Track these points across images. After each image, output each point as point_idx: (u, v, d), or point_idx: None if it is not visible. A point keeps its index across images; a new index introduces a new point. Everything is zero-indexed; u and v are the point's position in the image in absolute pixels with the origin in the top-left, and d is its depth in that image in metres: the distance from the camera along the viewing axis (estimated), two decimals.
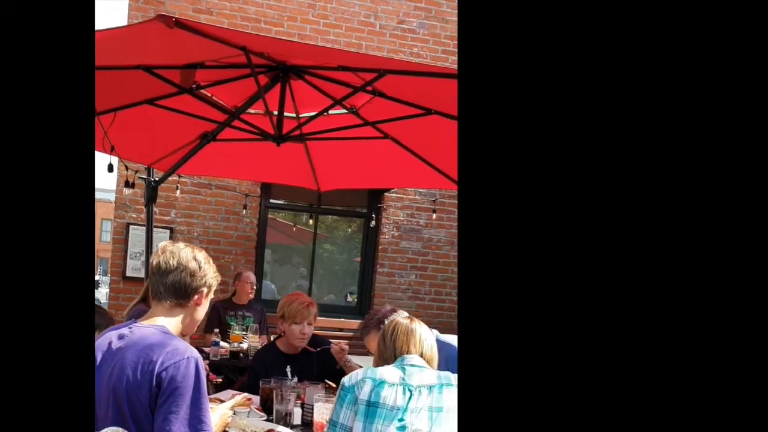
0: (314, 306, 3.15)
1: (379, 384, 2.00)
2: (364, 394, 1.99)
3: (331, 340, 3.19)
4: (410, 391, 2.00)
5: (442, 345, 2.52)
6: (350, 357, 3.16)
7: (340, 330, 6.13)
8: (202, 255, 1.83)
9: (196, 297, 1.81)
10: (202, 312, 1.87)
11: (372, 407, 1.97)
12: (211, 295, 1.88)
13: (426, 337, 2.18)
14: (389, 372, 2.05)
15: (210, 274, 1.84)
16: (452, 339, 2.61)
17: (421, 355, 2.12)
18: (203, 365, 1.72)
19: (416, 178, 4.22)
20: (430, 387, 2.02)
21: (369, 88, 2.84)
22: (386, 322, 2.34)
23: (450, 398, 2.02)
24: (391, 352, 2.15)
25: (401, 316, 2.28)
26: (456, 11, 6.66)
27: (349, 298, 6.89)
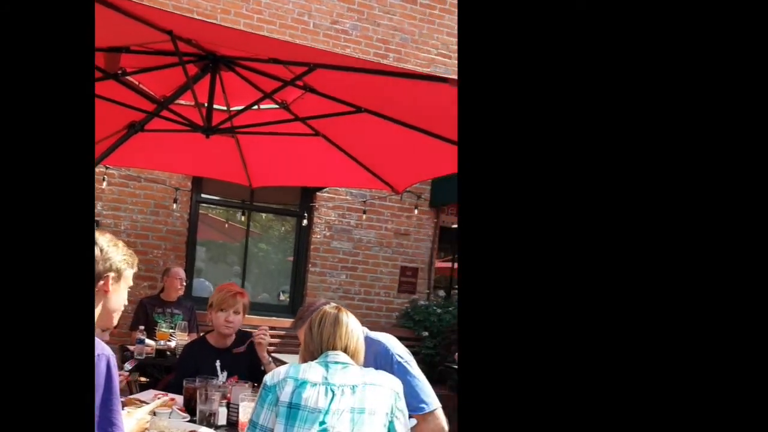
0: (243, 297, 3.06)
1: (301, 384, 1.91)
2: (285, 395, 1.90)
3: (261, 329, 3.06)
4: (332, 391, 1.91)
5: (371, 341, 2.46)
6: (280, 355, 3.08)
7: (273, 329, 6.00)
8: (104, 238, 1.69)
9: (101, 283, 1.66)
10: (115, 301, 1.71)
11: (293, 409, 1.89)
12: (126, 283, 1.74)
13: (354, 328, 2.10)
14: (312, 370, 1.96)
15: (116, 258, 1.68)
16: (382, 336, 2.56)
17: (346, 350, 2.04)
18: (116, 364, 1.61)
19: (347, 178, 4.17)
20: (353, 387, 1.94)
21: (300, 83, 2.77)
22: None
23: (372, 399, 1.94)
24: (317, 344, 2.06)
25: (329, 306, 2.18)
26: (387, 15, 6.66)
27: (282, 297, 6.79)
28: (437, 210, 6.88)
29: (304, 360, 2.08)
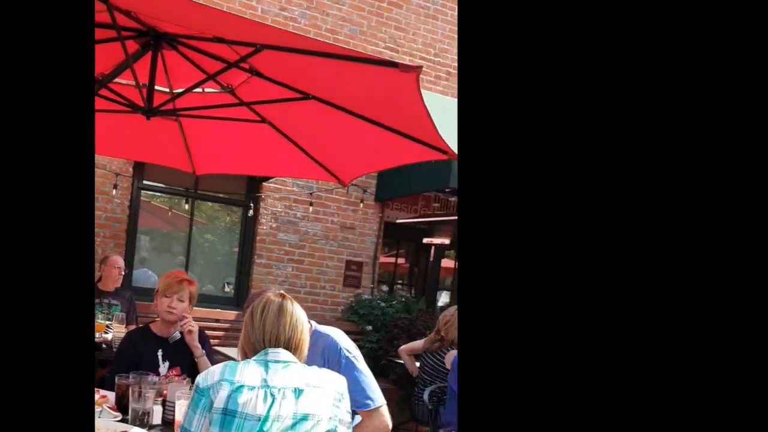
0: (191, 285, 2.89)
1: (237, 388, 1.72)
2: (220, 400, 1.71)
3: (185, 318, 2.85)
4: (272, 395, 1.74)
5: (319, 335, 2.37)
6: (224, 349, 2.93)
7: (217, 321, 5.86)
8: None
9: None
10: None
11: (229, 416, 1.70)
12: None
13: (298, 318, 1.93)
14: (250, 371, 1.77)
15: None
16: (330, 330, 2.46)
17: (289, 343, 1.87)
18: None
19: (294, 168, 4.03)
20: (295, 390, 1.77)
21: (246, 66, 2.64)
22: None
23: (316, 403, 1.78)
24: (259, 335, 1.88)
25: (273, 293, 2.00)
26: (336, 5, 6.54)
27: (227, 289, 6.60)
28: (382, 205, 6.79)
29: (244, 351, 1.93)
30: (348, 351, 2.38)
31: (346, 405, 1.88)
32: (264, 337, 1.88)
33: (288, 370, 1.81)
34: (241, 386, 1.73)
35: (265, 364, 1.80)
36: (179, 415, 2.17)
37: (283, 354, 1.85)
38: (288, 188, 6.35)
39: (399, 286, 7.82)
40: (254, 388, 1.73)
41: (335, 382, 1.87)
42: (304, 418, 1.74)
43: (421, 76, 2.16)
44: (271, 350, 1.85)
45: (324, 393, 1.81)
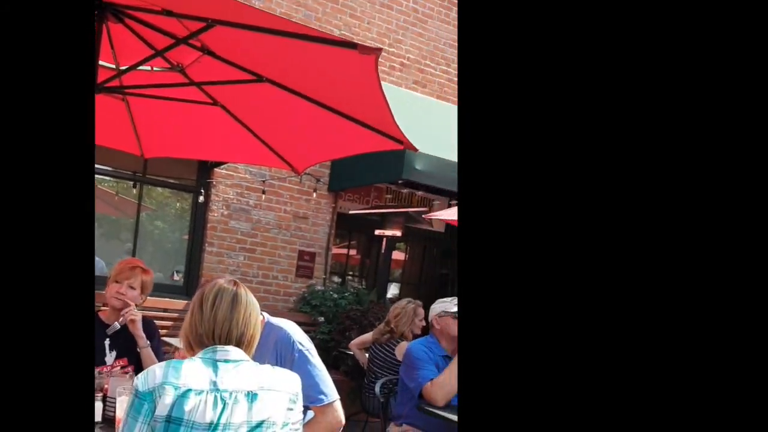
0: (146, 274, 2.78)
1: (183, 394, 1.51)
2: (163, 406, 1.50)
3: (128, 306, 2.71)
4: (223, 400, 1.54)
5: (272, 327, 2.24)
6: (173, 339, 2.77)
7: (165, 310, 5.65)
8: None
9: None
10: None
11: (174, 424, 1.49)
12: None
13: (253, 309, 1.76)
14: (196, 373, 1.57)
15: None
16: (284, 323, 2.33)
17: (241, 339, 1.69)
18: None
19: (246, 154, 3.85)
20: (249, 394, 1.59)
21: (197, 44, 2.49)
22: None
23: (271, 408, 1.60)
24: (209, 328, 1.68)
25: (225, 281, 1.80)
26: None
27: (176, 277, 6.38)
28: (335, 195, 6.67)
29: (188, 341, 1.73)
30: (301, 344, 2.27)
31: (299, 407, 1.73)
32: (214, 331, 1.68)
33: (239, 371, 1.62)
34: (188, 390, 1.53)
35: (214, 364, 1.61)
36: (120, 412, 2.02)
37: (233, 352, 1.66)
38: (240, 175, 6.17)
39: (351, 277, 7.72)
40: (202, 392, 1.53)
41: (290, 384, 1.71)
42: (259, 425, 1.58)
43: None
44: (219, 348, 1.65)
45: (278, 396, 1.64)
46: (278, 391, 1.65)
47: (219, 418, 1.52)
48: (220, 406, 1.53)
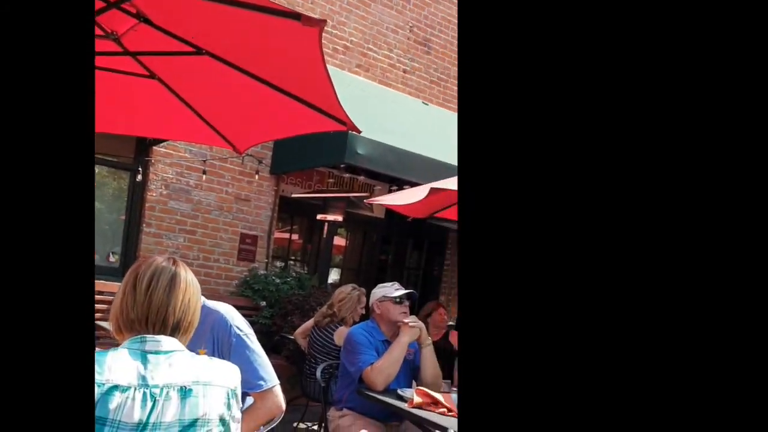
0: None
1: (108, 391, 1.31)
2: None
3: None
4: (153, 397, 1.35)
5: (208, 311, 2.07)
6: (107, 324, 2.59)
7: (100, 293, 5.39)
8: None
9: None
10: None
11: (97, 425, 1.29)
12: None
13: (193, 292, 1.57)
14: (123, 366, 1.37)
15: None
16: (221, 306, 2.19)
17: (178, 326, 1.49)
18: None
19: (185, 131, 3.67)
20: (182, 389, 1.40)
21: (132, 10, 2.33)
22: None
23: (206, 405, 1.41)
24: (141, 313, 1.47)
25: (163, 259, 1.58)
26: None
27: (112, 259, 6.12)
28: (278, 178, 6.51)
29: (117, 327, 1.52)
30: (239, 329, 2.15)
31: (237, 402, 1.54)
32: (148, 318, 1.48)
33: (171, 363, 1.43)
34: (113, 387, 1.33)
35: (143, 356, 1.41)
36: None
37: (165, 342, 1.46)
38: (180, 154, 5.95)
39: (293, 261, 7.58)
40: (129, 388, 1.34)
41: (228, 377, 1.51)
42: (192, 424, 1.39)
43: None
44: (150, 338, 1.45)
45: (215, 392, 1.45)
46: (215, 385, 1.46)
47: (148, 417, 1.34)
48: (149, 403, 1.35)
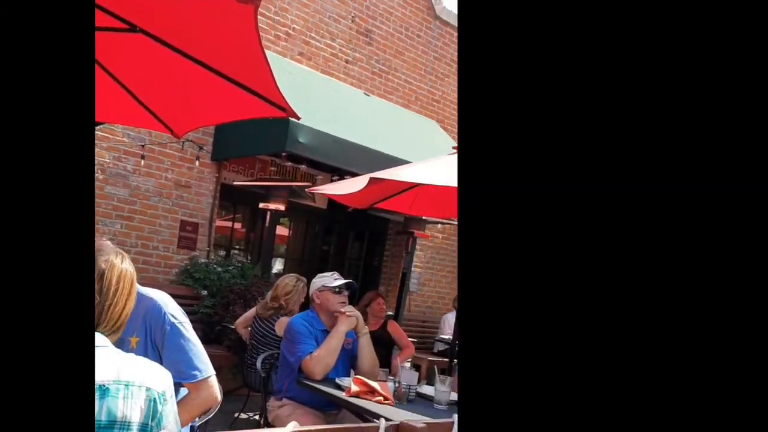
0: None
1: None
2: None
3: None
4: None
5: (141, 298, 1.95)
6: None
7: None
8: None
9: None
10: None
11: None
12: None
13: (133, 283, 1.49)
14: None
15: None
16: (154, 293, 2.08)
17: (116, 326, 1.40)
18: None
19: (121, 114, 3.48)
20: (99, 387, 1.27)
21: None
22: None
23: (125, 407, 1.28)
24: (101, 316, 1.38)
25: (114, 252, 1.47)
26: None
27: None
28: (219, 165, 6.32)
29: None
30: (173, 317, 2.05)
31: (172, 406, 1.40)
32: (108, 324, 1.40)
33: (99, 358, 1.30)
34: None
35: None
36: None
37: (100, 339, 1.36)
38: (118, 138, 5.70)
39: (236, 250, 7.42)
40: None
41: (155, 379, 1.37)
42: (109, 426, 1.26)
43: (260, 35, 1.87)
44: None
45: (137, 393, 1.32)
46: (138, 386, 1.33)
47: None
48: None
